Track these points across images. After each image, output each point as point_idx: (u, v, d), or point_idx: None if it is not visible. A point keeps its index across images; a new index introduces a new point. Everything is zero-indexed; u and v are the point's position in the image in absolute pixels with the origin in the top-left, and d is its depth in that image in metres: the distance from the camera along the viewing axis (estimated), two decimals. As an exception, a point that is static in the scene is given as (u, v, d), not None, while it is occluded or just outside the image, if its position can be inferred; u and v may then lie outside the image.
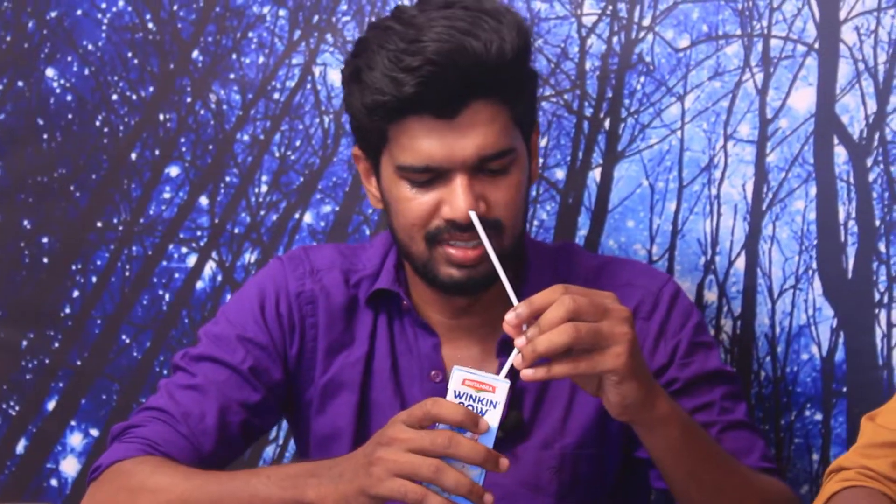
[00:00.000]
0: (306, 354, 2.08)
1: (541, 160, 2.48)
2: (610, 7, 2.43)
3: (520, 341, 1.72)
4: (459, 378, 1.73)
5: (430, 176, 1.92)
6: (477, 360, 2.01)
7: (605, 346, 1.72)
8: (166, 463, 1.97)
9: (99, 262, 2.72)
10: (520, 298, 1.85)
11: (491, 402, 1.72)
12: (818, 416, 2.34)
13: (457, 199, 1.90)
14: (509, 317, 1.72)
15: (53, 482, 2.76)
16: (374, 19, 2.39)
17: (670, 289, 2.06)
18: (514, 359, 1.72)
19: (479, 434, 1.71)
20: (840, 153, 2.32)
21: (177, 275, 2.69)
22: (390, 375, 2.06)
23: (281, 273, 2.11)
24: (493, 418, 1.72)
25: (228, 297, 2.62)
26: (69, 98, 2.71)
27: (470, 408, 1.72)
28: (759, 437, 2.03)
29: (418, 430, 1.72)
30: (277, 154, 2.63)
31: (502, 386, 1.72)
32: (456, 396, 1.73)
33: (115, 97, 2.69)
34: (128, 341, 2.72)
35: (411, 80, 1.86)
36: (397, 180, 1.94)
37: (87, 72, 2.70)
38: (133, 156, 2.70)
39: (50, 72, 2.72)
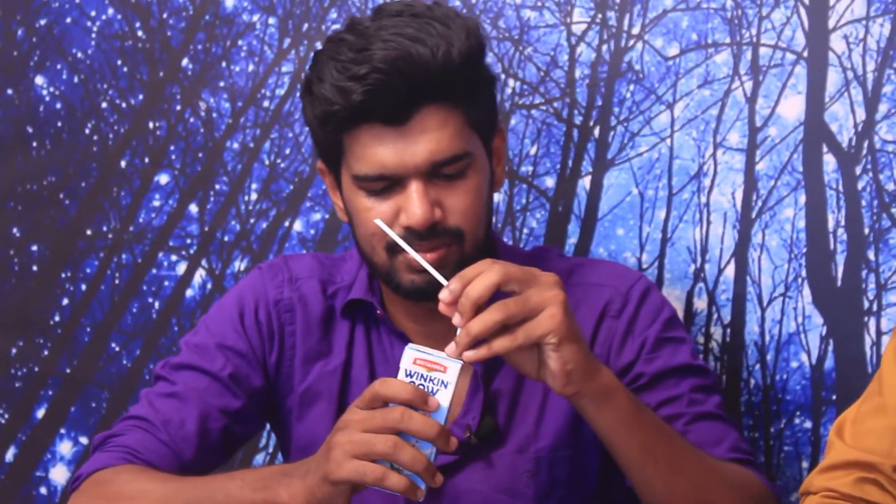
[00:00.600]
0: (285, 362, 2.09)
1: (530, 168, 2.48)
2: (599, 15, 2.43)
3: (457, 319, 1.73)
4: (411, 357, 1.75)
5: (386, 184, 1.92)
6: None
7: (538, 312, 1.73)
8: (145, 470, 1.98)
9: (88, 270, 2.72)
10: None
11: (442, 381, 1.73)
12: (808, 424, 2.34)
13: (412, 205, 1.90)
14: (443, 294, 1.74)
15: (43, 490, 2.76)
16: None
17: (640, 287, 2.06)
18: (449, 348, 1.74)
19: (429, 412, 1.72)
20: (829, 161, 2.32)
21: (166, 283, 2.69)
22: (368, 384, 2.06)
23: (260, 281, 2.11)
24: (443, 398, 1.73)
25: (218, 305, 2.63)
26: (59, 106, 2.71)
27: (421, 387, 1.74)
28: (731, 429, 2.02)
29: (371, 410, 1.74)
30: (267, 162, 2.63)
31: (454, 366, 1.73)
32: (407, 375, 1.75)
33: (104, 105, 2.69)
34: (117, 349, 2.71)
35: (359, 89, 1.86)
36: (355, 190, 1.94)
37: (76, 80, 2.70)
38: (122, 164, 2.70)
39: (39, 80, 2.72)
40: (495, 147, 2.01)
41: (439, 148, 1.90)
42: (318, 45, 2.57)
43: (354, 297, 2.07)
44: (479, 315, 1.72)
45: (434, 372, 1.74)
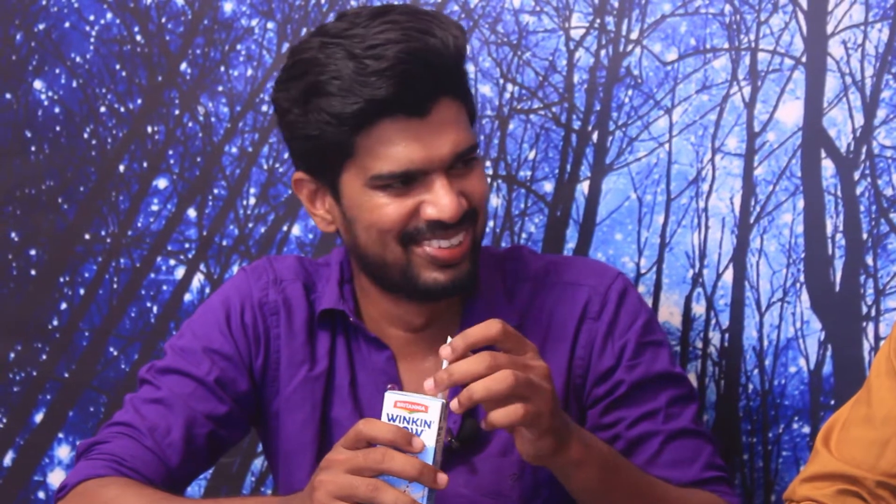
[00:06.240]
0: (271, 365, 2.08)
1: (529, 173, 2.48)
2: (598, 20, 2.43)
3: (430, 384, 1.74)
4: (391, 401, 1.74)
5: (407, 179, 1.92)
6: (431, 373, 1.99)
7: (533, 402, 1.74)
8: (132, 484, 1.97)
9: (87, 275, 2.72)
10: (469, 309, 1.97)
11: (425, 421, 1.72)
12: (806, 430, 2.34)
13: (442, 199, 1.91)
14: (444, 352, 1.74)
15: (41, 494, 2.76)
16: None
17: (618, 287, 2.06)
18: (427, 384, 1.74)
19: (415, 452, 1.71)
20: (827, 166, 2.32)
21: (165, 287, 2.69)
22: (349, 391, 2.06)
23: (245, 283, 2.10)
24: (428, 438, 1.72)
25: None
26: (57, 110, 2.71)
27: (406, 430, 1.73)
28: (705, 443, 2.03)
29: (354, 451, 1.73)
30: (265, 166, 2.63)
31: (435, 405, 1.73)
32: (390, 419, 1.74)
33: (103, 109, 2.69)
34: (115, 353, 2.71)
35: (384, 83, 1.87)
36: (368, 192, 1.93)
37: (75, 84, 2.70)
38: (121, 168, 2.70)
39: (38, 84, 2.72)
40: None
41: (460, 139, 1.92)
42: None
43: (326, 307, 2.06)
44: (485, 381, 1.72)
45: (416, 413, 1.73)
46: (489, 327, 1.75)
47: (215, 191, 2.65)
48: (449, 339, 1.76)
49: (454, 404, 1.73)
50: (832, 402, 2.32)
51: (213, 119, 2.65)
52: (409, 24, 1.89)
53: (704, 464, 2.01)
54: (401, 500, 1.69)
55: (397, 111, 1.89)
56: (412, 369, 2.04)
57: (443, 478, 1.71)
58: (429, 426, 1.72)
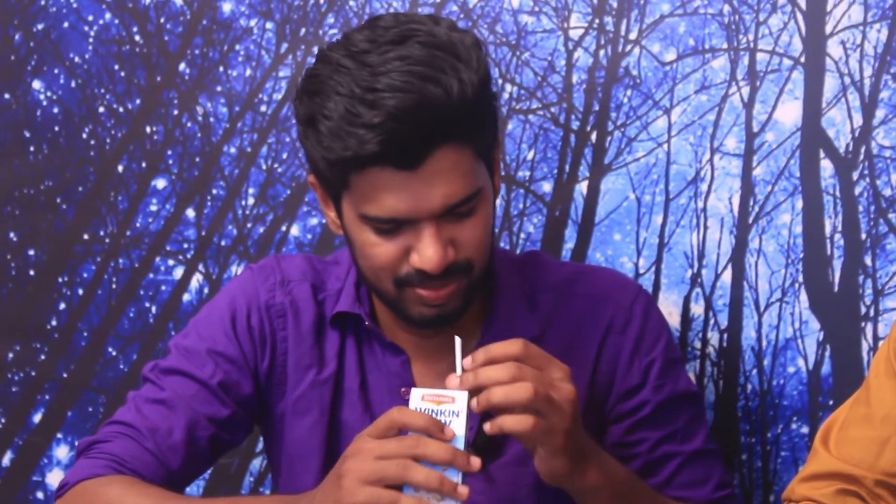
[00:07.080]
0: (277, 368, 2.06)
1: (527, 173, 2.48)
2: (597, 20, 2.43)
3: (455, 381, 1.76)
4: (418, 395, 1.77)
5: (395, 225, 1.86)
6: (446, 376, 1.99)
7: (548, 418, 1.76)
8: (135, 483, 1.96)
9: (85, 275, 2.72)
10: (490, 315, 1.97)
11: (453, 412, 1.76)
12: (805, 430, 2.34)
13: (426, 249, 1.85)
14: (467, 362, 1.77)
15: (39, 495, 2.76)
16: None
17: (642, 302, 2.06)
18: (451, 380, 1.77)
19: (446, 441, 1.73)
20: (826, 167, 2.32)
21: (163, 287, 2.69)
22: (359, 394, 2.04)
23: (251, 284, 2.08)
24: (458, 426, 1.75)
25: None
26: (56, 110, 2.71)
27: None
28: (716, 463, 2.06)
29: (384, 439, 1.74)
30: (264, 167, 2.63)
31: (461, 395, 1.76)
32: None
33: (101, 110, 2.69)
34: (114, 354, 2.71)
35: (372, 137, 1.78)
36: (361, 225, 1.88)
37: (73, 84, 2.70)
38: (120, 168, 2.70)
39: (37, 84, 2.72)
40: (494, 158, 1.96)
41: (453, 191, 1.84)
42: (316, 50, 2.58)
43: (341, 309, 2.04)
44: (505, 388, 1.74)
45: (444, 404, 1.76)
46: (511, 345, 1.77)
47: (214, 191, 2.65)
48: (457, 338, 1.79)
49: (473, 403, 1.74)
50: (831, 403, 2.32)
51: (211, 119, 2.65)
52: (417, 68, 1.79)
53: (716, 484, 2.03)
54: (431, 477, 1.70)
55: (385, 163, 1.82)
56: (427, 373, 2.03)
57: (476, 461, 1.73)
58: (457, 416, 1.75)
